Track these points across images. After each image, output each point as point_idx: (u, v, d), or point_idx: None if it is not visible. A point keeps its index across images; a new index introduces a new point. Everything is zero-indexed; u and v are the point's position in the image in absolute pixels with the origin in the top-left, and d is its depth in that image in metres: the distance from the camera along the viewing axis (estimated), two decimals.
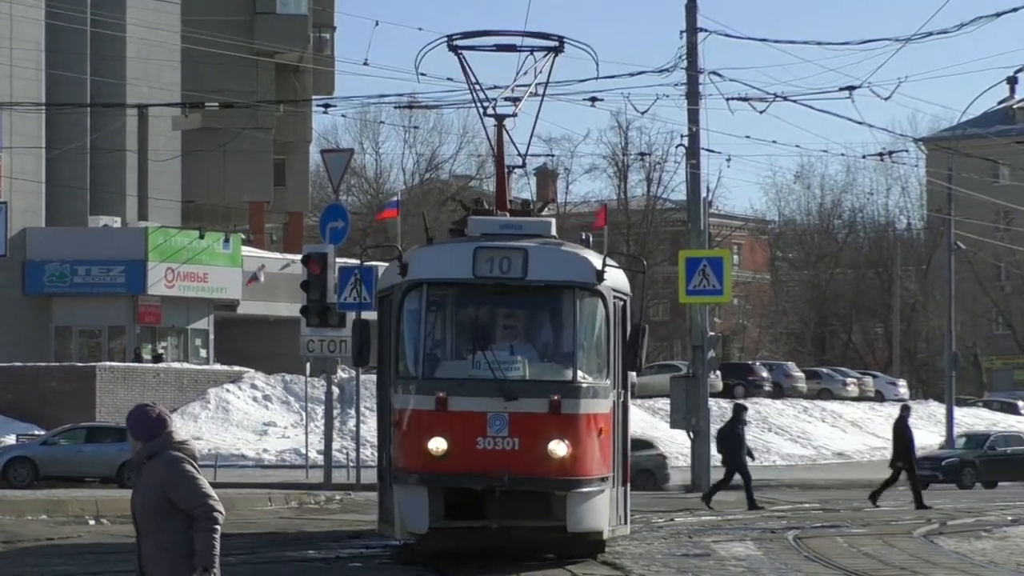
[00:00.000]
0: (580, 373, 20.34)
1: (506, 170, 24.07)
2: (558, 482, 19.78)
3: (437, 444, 19.56)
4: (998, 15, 40.87)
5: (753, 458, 38.36)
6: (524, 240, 20.72)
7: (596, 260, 20.72)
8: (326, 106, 78.48)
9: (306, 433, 50.43)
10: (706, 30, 39.61)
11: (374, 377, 53.23)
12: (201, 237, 68.36)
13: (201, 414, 59.30)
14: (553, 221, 22.06)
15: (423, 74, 25.90)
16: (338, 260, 37.08)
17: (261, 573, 22.51)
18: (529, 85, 24.05)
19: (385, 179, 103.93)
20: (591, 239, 22.88)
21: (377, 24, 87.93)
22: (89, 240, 66.71)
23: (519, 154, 24.99)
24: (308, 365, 43.17)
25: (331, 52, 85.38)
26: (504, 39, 23.63)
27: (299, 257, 41.18)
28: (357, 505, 36.25)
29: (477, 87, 23.43)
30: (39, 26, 66.26)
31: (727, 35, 41.00)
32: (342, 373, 42.43)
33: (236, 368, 65.51)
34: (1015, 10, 44.40)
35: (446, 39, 23.09)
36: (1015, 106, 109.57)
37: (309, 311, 36.61)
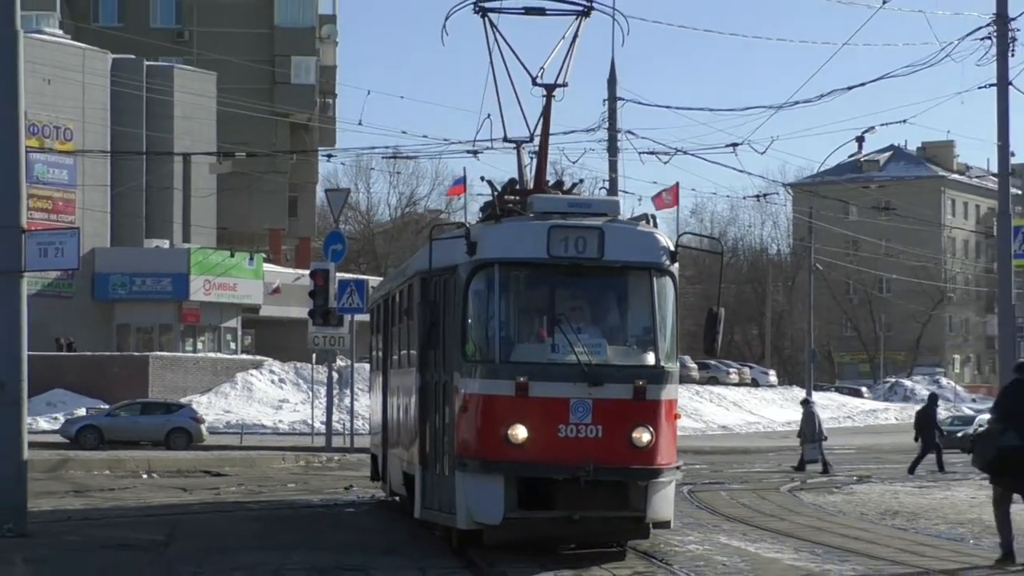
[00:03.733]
0: (660, 357, 15.76)
1: (516, 146, 19.04)
2: (641, 471, 15.33)
3: (517, 431, 15.03)
4: (849, 88, 41.23)
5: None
6: (594, 219, 15.93)
7: (669, 241, 16.30)
8: (329, 156, 79.11)
9: (312, 408, 50.26)
10: (623, 99, 39.62)
11: (365, 366, 53.39)
12: (231, 256, 68.17)
13: (230, 393, 59.12)
14: (620, 200, 17.70)
15: (447, 34, 18.18)
16: (338, 274, 36.96)
17: (274, 517, 22.31)
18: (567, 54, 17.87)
19: (374, 212, 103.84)
20: (657, 220, 17.34)
21: (369, 93, 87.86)
22: (144, 257, 66.43)
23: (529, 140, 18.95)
24: (314, 355, 42.98)
25: (333, 114, 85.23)
26: (532, 2, 17.91)
27: (308, 272, 41.01)
28: (351, 464, 36.27)
29: (514, 55, 17.84)
30: (105, 92, 65.94)
31: (639, 103, 41.00)
32: (340, 362, 42.26)
33: (258, 357, 65.44)
34: (862, 84, 44.54)
35: (473, 1, 17.79)
36: (861, 159, 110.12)
37: (315, 314, 36.46)
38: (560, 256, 15.55)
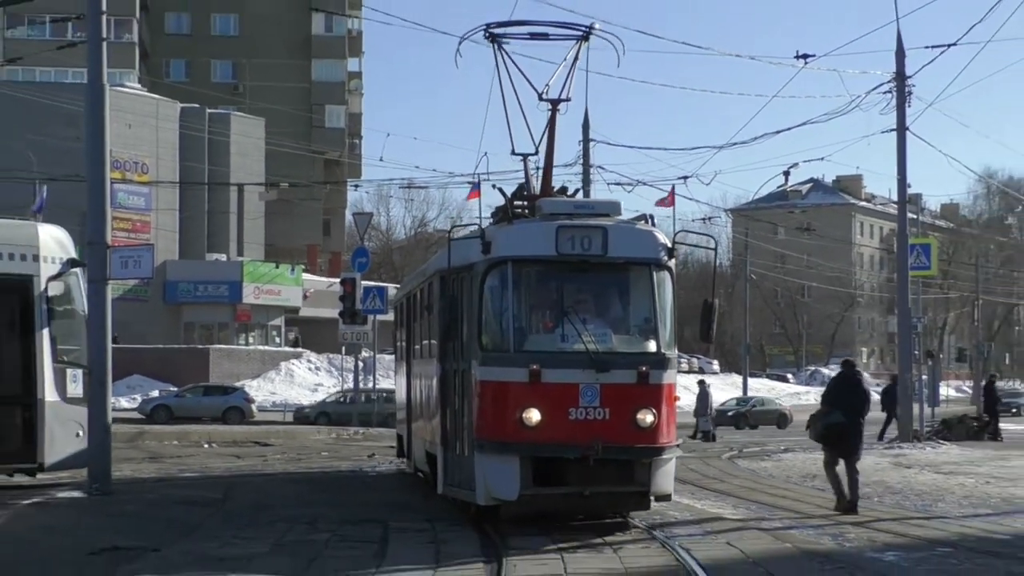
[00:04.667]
0: (661, 345, 14.62)
1: (523, 159, 17.02)
2: (645, 450, 14.19)
3: (531, 415, 13.88)
4: (777, 132, 41.50)
5: None
6: (597, 219, 14.74)
7: (666, 238, 15.15)
8: (355, 186, 78.91)
9: (341, 391, 50.35)
10: (595, 140, 39.67)
11: (384, 356, 53.37)
12: (276, 267, 68.18)
13: (276, 379, 59.17)
14: (620, 202, 15.59)
15: (460, 55, 16.67)
16: (362, 282, 36.93)
17: (310, 479, 22.26)
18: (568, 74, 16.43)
19: (392, 231, 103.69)
20: (655, 219, 15.82)
21: (388, 135, 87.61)
22: (206, 268, 66.49)
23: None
24: (343, 348, 42.89)
25: (359, 152, 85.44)
26: (537, 28, 16.52)
27: (338, 280, 40.94)
28: (373, 436, 36.28)
29: (521, 74, 16.53)
30: (175, 134, 66.08)
31: (608, 143, 41.33)
32: (364, 353, 42.05)
33: (298, 349, 65.57)
34: (789, 128, 44.81)
35: (484, 27, 16.43)
36: (787, 189, 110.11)
37: (344, 314, 36.38)
38: (567, 253, 14.38)
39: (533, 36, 16.55)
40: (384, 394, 47.33)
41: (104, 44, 18.90)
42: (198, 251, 67.99)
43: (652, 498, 14.50)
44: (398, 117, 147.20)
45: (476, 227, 14.84)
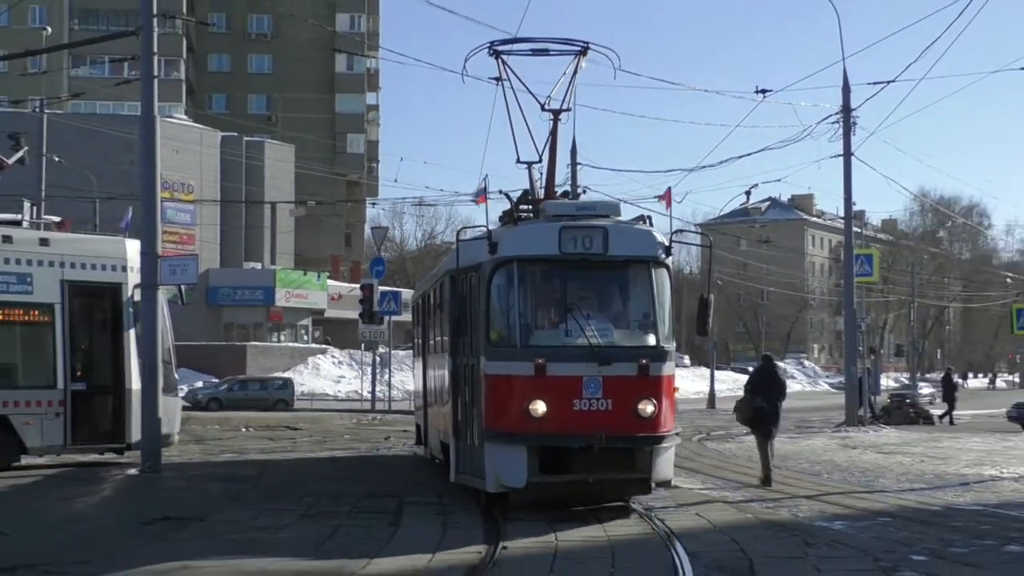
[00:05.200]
0: (660, 338, 13.43)
1: (528, 167, 15.69)
2: (646, 439, 13.08)
3: (537, 406, 12.76)
4: (740, 157, 41.67)
5: None
6: (598, 220, 13.53)
7: (663, 237, 13.85)
8: (373, 203, 78.97)
9: (361, 382, 50.27)
10: (582, 164, 39.62)
11: (398, 352, 53.38)
12: (304, 275, 68.13)
13: (304, 371, 59.04)
14: (620, 203, 14.42)
15: (467, 74, 15.89)
16: (379, 288, 36.96)
17: (333, 459, 22.20)
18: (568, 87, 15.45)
19: (405, 243, 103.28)
20: (652, 220, 14.29)
21: (401, 159, 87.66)
22: (243, 275, 66.44)
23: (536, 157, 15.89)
24: (363, 344, 42.92)
25: (376, 174, 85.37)
26: (538, 44, 15.34)
27: (358, 286, 40.99)
28: (389, 421, 36.16)
29: (524, 87, 15.37)
30: (216, 159, 66.15)
31: (593, 167, 41.10)
32: (381, 349, 42.09)
33: (323, 346, 65.48)
34: (750, 154, 44.79)
35: (488, 45, 15.25)
36: (749, 207, 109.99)
37: (363, 315, 36.49)
38: (570, 252, 13.21)
39: (535, 52, 15.43)
40: (280, 382, 47.67)
41: (155, 81, 19.00)
42: (236, 260, 67.95)
43: (653, 484, 13.47)
44: (410, 143, 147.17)
45: (483, 228, 13.83)
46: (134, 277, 19.27)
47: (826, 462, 21.41)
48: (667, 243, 13.75)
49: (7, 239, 18.32)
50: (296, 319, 68.18)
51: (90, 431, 18.86)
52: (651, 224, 14.06)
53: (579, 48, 15.37)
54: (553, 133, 15.37)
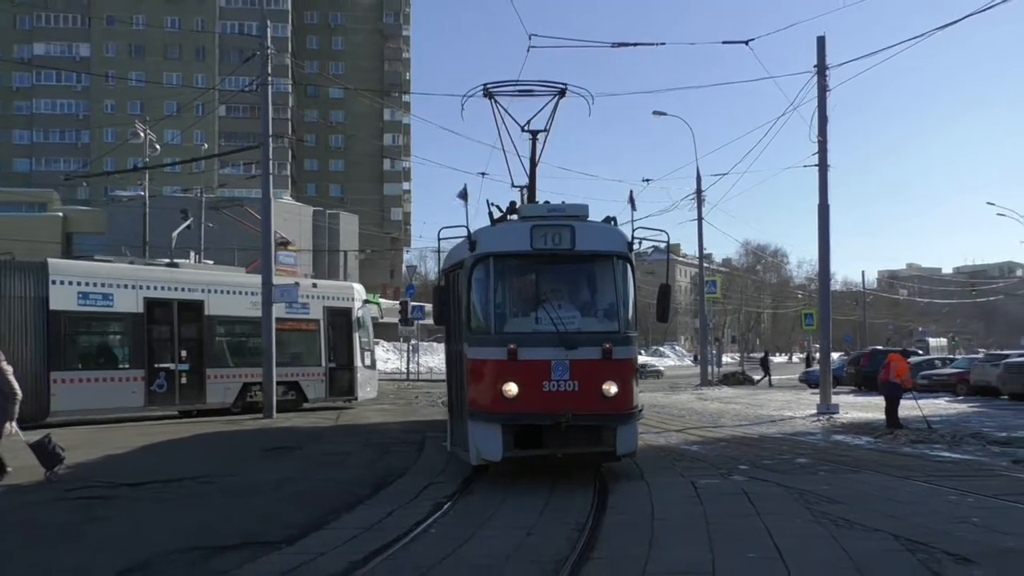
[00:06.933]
0: (622, 325, 9.98)
1: (520, 189, 12.84)
2: (610, 416, 9.67)
3: (510, 388, 9.48)
4: (643, 217, 40.85)
5: None
6: (567, 219, 10.17)
7: (626, 234, 10.41)
8: (407, 251, 78.85)
9: (400, 362, 50.12)
10: (564, 168, 39.30)
11: (422, 343, 53.09)
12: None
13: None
14: (588, 206, 10.45)
15: (464, 110, 13.74)
16: (411, 303, 36.98)
17: (382, 409, 21.01)
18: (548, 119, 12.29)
19: (429, 275, 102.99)
20: (617, 220, 10.74)
21: (425, 223, 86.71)
22: None
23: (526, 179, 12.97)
24: (400, 338, 42.83)
25: (409, 232, 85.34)
26: (524, 86, 12.05)
27: (398, 302, 40.98)
28: (418, 386, 35.65)
29: (512, 119, 12.24)
30: (309, 225, 65.74)
31: (564, 168, 40.45)
32: (413, 341, 42.01)
33: (377, 340, 64.77)
34: (643, 217, 43.06)
35: (483, 87, 11.97)
36: (641, 251, 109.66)
37: (402, 320, 36.47)
38: (541, 248, 9.94)
39: (521, 92, 12.19)
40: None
41: (271, 176, 19.32)
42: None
43: (619, 456, 9.93)
44: (434, 209, 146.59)
45: (462, 228, 10.36)
46: (357, 304, 21.44)
47: (688, 410, 21.23)
48: (629, 239, 10.44)
49: (297, 284, 20.07)
50: None
51: (337, 390, 20.76)
52: (616, 224, 10.74)
53: (558, 89, 12.27)
54: (533, 149, 12.39)
